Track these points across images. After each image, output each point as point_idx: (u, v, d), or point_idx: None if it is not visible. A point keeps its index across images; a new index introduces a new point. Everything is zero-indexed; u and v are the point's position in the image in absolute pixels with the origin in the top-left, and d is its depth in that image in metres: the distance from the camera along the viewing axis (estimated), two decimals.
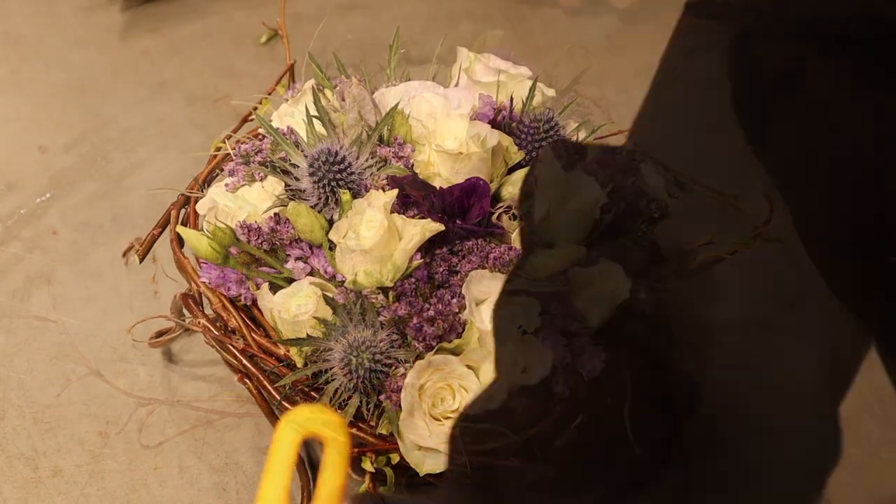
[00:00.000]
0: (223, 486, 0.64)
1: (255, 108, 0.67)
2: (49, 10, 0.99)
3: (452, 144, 0.55)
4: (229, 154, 0.62)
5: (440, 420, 0.50)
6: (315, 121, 0.56)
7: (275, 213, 0.54)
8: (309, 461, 0.66)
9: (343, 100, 0.57)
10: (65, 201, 0.81)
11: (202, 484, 0.64)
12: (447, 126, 0.56)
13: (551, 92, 0.64)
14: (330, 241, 0.53)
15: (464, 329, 0.50)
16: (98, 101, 0.90)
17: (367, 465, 0.52)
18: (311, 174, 0.53)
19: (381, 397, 0.50)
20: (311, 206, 0.54)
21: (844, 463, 0.70)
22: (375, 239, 0.50)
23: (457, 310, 0.50)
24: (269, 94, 0.68)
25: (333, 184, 0.53)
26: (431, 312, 0.49)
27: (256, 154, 0.57)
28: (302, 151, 0.55)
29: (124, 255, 0.77)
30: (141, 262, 0.61)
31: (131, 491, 0.63)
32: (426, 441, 0.49)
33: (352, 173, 0.53)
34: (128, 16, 1.00)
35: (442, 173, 0.54)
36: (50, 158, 0.85)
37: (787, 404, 0.69)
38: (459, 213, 0.53)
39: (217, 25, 1.00)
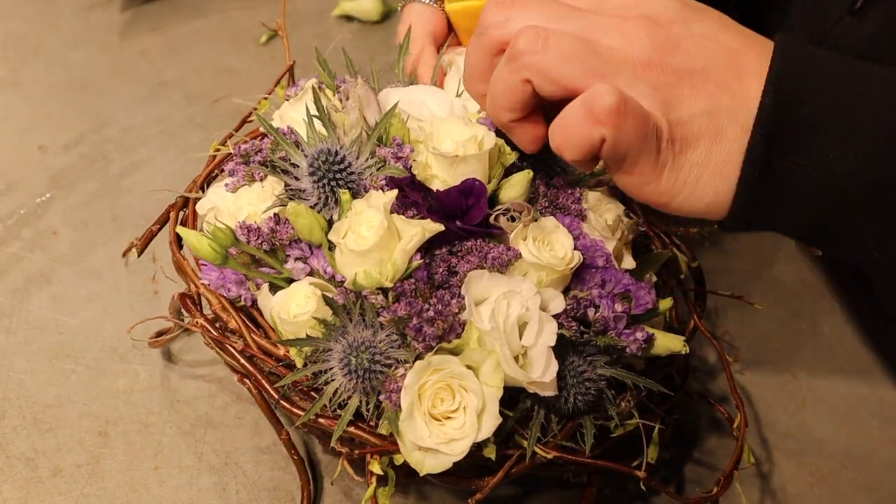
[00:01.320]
0: (223, 486, 0.64)
1: (255, 109, 0.67)
2: (49, 10, 0.99)
3: (449, 147, 0.55)
4: (229, 154, 0.62)
5: (440, 420, 0.50)
6: (315, 120, 0.56)
7: (274, 214, 0.54)
8: (309, 461, 0.66)
9: (347, 98, 0.57)
10: (65, 201, 0.81)
11: (202, 484, 0.64)
12: (444, 129, 0.56)
13: None
14: (329, 242, 0.53)
15: (463, 329, 0.50)
16: (98, 101, 0.90)
17: (376, 468, 0.52)
18: (311, 174, 0.53)
19: (381, 398, 0.50)
20: (311, 206, 0.54)
21: (844, 463, 0.70)
22: (375, 239, 0.50)
23: (456, 310, 0.50)
24: (269, 94, 0.68)
25: (333, 183, 0.53)
26: (431, 313, 0.49)
27: (256, 154, 0.57)
28: (302, 151, 0.55)
29: (124, 255, 0.77)
30: (139, 255, 0.61)
31: (131, 491, 0.63)
32: (426, 441, 0.49)
33: (352, 173, 0.53)
34: (128, 15, 1.00)
35: (439, 175, 0.55)
36: (50, 158, 0.85)
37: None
38: (458, 214, 0.53)
39: (217, 25, 1.00)
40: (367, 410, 0.51)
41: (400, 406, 0.49)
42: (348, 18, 1.02)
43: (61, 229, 0.79)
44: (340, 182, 0.53)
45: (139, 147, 0.86)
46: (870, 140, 0.43)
